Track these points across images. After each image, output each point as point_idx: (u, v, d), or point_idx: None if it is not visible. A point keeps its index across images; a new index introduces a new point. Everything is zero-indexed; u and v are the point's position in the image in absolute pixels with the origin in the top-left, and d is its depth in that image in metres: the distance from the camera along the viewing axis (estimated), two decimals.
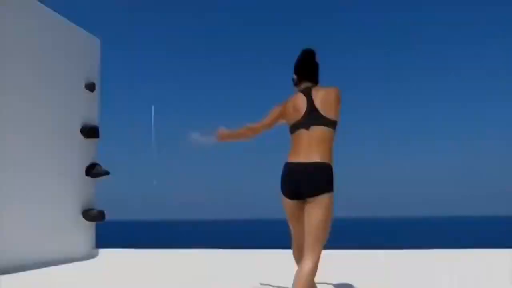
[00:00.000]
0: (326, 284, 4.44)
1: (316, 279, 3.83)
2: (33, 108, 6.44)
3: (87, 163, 7.48)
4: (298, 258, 3.14)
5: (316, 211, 2.89)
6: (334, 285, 4.53)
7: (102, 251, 7.48)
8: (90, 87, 7.60)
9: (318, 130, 2.97)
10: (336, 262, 5.97)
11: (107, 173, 7.65)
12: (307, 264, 2.89)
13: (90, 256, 7.27)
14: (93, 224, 7.55)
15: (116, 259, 7.10)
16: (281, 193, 3.09)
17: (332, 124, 3.00)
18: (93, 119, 7.71)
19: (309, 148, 2.95)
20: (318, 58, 3.25)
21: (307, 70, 3.20)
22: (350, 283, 4.62)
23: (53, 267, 6.17)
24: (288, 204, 3.07)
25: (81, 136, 7.38)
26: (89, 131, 7.45)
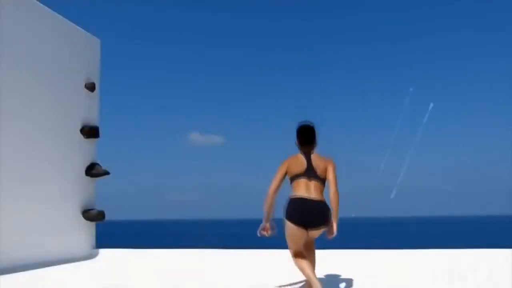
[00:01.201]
0: (326, 284, 4.45)
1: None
2: (33, 108, 6.44)
3: (87, 163, 7.49)
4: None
5: (317, 233, 3.97)
6: (334, 285, 4.54)
7: (102, 251, 7.48)
8: (90, 87, 7.61)
9: (315, 181, 3.94)
10: (336, 262, 5.97)
11: (107, 173, 7.65)
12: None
13: (90, 256, 7.27)
14: (93, 224, 7.55)
15: (116, 259, 7.10)
16: (288, 221, 3.88)
17: (323, 181, 3.99)
18: (93, 119, 7.71)
19: (312, 191, 3.90)
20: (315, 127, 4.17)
21: (306, 141, 4.12)
22: (350, 283, 4.62)
23: (53, 267, 6.17)
24: (296, 229, 3.87)
25: (81, 136, 7.38)
26: (89, 131, 7.45)
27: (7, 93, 5.95)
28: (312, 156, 4.06)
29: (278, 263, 6.26)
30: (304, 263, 3.91)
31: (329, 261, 6.34)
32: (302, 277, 4.84)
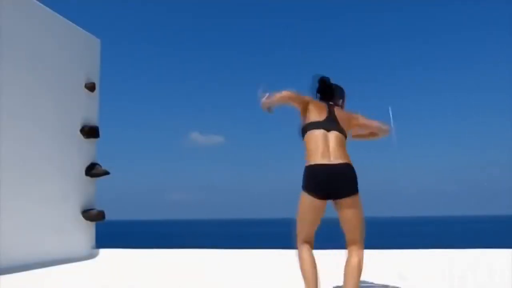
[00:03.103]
0: (326, 284, 4.45)
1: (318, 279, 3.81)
2: (33, 108, 6.44)
3: (87, 163, 7.48)
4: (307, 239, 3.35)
5: (355, 210, 3.19)
6: (334, 285, 4.53)
7: (102, 251, 7.47)
8: (90, 87, 7.61)
9: (337, 134, 3.22)
10: (336, 262, 5.96)
11: (107, 173, 7.65)
12: (356, 257, 3.39)
13: (90, 256, 7.27)
14: (93, 224, 7.55)
15: (116, 259, 7.09)
16: (305, 192, 3.18)
17: (346, 133, 3.30)
18: (93, 119, 7.71)
19: (334, 149, 3.16)
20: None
21: (325, 95, 3.52)
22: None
23: (53, 267, 6.17)
24: (314, 202, 3.17)
25: (81, 136, 7.38)
26: (89, 131, 7.45)
27: (7, 93, 5.95)
28: (336, 108, 3.43)
29: (278, 263, 6.26)
30: (308, 264, 3.29)
31: (329, 261, 6.33)
32: (301, 278, 4.84)
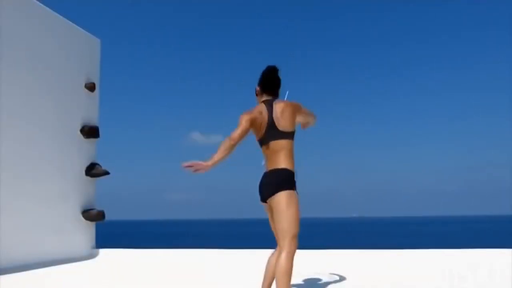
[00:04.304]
0: (327, 284, 4.45)
1: (317, 278, 3.83)
2: (33, 108, 6.44)
3: (87, 163, 7.49)
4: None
5: (276, 210, 3.27)
6: (335, 285, 4.53)
7: (102, 251, 7.47)
8: (90, 87, 7.61)
9: (276, 144, 3.28)
10: (336, 262, 5.96)
11: (107, 173, 7.65)
12: (281, 254, 3.40)
13: (90, 256, 7.27)
14: (93, 224, 7.55)
15: (116, 259, 7.10)
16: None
17: (288, 135, 3.31)
18: (93, 119, 7.71)
19: (272, 159, 3.30)
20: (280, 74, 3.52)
21: (270, 85, 3.45)
22: (350, 283, 4.62)
23: (53, 267, 6.17)
24: (264, 206, 3.45)
25: (81, 136, 7.38)
26: (89, 131, 7.45)
27: (7, 93, 5.95)
28: (274, 106, 3.33)
29: None
30: (268, 266, 3.65)
31: (329, 261, 6.33)
32: (302, 278, 4.84)
